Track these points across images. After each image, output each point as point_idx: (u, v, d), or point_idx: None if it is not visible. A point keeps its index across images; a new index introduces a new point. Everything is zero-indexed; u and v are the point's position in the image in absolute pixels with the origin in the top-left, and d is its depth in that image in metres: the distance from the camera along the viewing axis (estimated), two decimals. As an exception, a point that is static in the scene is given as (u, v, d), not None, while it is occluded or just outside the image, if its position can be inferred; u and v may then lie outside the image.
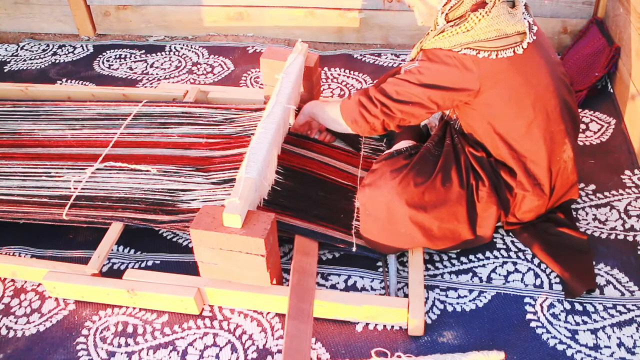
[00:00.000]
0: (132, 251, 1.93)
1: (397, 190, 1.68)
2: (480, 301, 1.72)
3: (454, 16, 1.62)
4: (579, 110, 2.26)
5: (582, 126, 2.31)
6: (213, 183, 1.90)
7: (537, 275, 1.78)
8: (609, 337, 1.61)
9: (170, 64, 2.91)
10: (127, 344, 1.66)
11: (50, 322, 1.74)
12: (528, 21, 1.64)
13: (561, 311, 1.68)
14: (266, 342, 1.65)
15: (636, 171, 2.11)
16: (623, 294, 1.72)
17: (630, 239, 1.87)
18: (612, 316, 1.66)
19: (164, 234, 1.98)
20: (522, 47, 1.60)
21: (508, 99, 1.64)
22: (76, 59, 3.00)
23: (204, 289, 1.69)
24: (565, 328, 1.64)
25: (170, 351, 1.64)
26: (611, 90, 2.46)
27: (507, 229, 1.87)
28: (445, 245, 1.76)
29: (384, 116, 1.72)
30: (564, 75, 1.75)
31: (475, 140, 1.77)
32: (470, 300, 1.72)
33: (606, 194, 2.03)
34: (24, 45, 3.13)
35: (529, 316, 1.67)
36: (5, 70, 2.93)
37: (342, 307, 1.65)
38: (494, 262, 1.82)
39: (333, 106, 1.86)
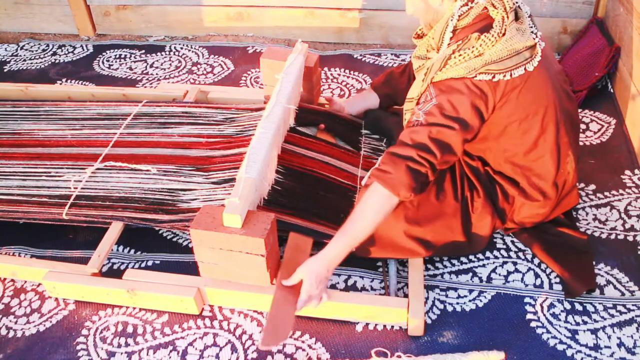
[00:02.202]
0: (132, 251, 1.93)
1: None
2: (480, 301, 1.72)
3: (460, 25, 1.58)
4: (579, 110, 2.26)
5: (582, 126, 2.30)
6: (213, 183, 1.90)
7: (537, 275, 1.78)
8: (609, 337, 1.61)
9: (170, 64, 2.91)
10: (127, 344, 1.66)
11: (50, 322, 1.74)
12: (536, 35, 1.60)
13: (561, 311, 1.68)
14: (266, 342, 1.65)
15: (636, 171, 2.11)
16: (623, 294, 1.72)
17: (630, 239, 1.87)
18: (612, 316, 1.66)
19: (164, 234, 1.98)
20: (533, 65, 1.56)
21: (518, 116, 1.60)
22: (76, 59, 3.00)
23: (204, 289, 1.69)
24: (566, 328, 1.64)
25: (170, 351, 1.64)
26: (611, 90, 2.46)
27: (507, 233, 1.87)
28: (440, 252, 1.76)
29: (431, 170, 1.56)
30: (565, 83, 1.73)
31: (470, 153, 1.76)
32: (470, 300, 1.72)
33: (606, 194, 2.03)
34: (24, 45, 3.13)
35: (529, 316, 1.67)
36: (5, 70, 2.93)
37: (342, 307, 1.65)
38: (494, 262, 1.82)
39: (360, 208, 1.58)
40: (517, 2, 1.60)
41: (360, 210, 1.58)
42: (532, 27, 1.62)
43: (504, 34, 1.53)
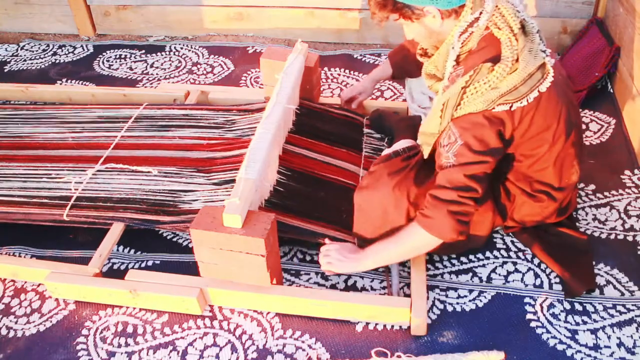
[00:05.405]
0: (133, 251, 1.93)
1: (395, 193, 1.67)
2: (480, 301, 1.72)
3: (464, 51, 1.55)
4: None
5: (582, 126, 2.30)
6: (214, 184, 1.90)
7: (537, 275, 1.78)
8: (608, 337, 1.61)
9: (170, 64, 2.91)
10: (127, 344, 1.66)
11: (50, 322, 1.74)
12: (545, 52, 1.55)
13: (561, 311, 1.68)
14: (266, 342, 1.65)
15: (636, 171, 2.11)
16: (623, 294, 1.72)
17: (630, 239, 1.87)
18: (612, 316, 1.66)
19: (164, 234, 1.98)
20: (545, 86, 1.52)
21: (529, 136, 1.58)
22: (76, 59, 3.01)
23: (206, 289, 1.69)
24: (565, 328, 1.64)
25: (170, 351, 1.64)
26: (611, 90, 2.46)
27: (507, 232, 1.87)
28: (439, 249, 1.75)
29: (475, 204, 1.58)
30: (569, 90, 1.70)
31: None
32: (470, 300, 1.72)
33: (606, 194, 2.03)
34: (24, 45, 3.13)
35: (529, 316, 1.67)
36: (5, 71, 2.93)
37: (344, 307, 1.65)
38: (494, 262, 1.82)
39: (402, 240, 1.64)
40: (520, 15, 1.55)
41: (402, 244, 1.64)
42: (540, 43, 1.56)
43: (517, 60, 1.49)
